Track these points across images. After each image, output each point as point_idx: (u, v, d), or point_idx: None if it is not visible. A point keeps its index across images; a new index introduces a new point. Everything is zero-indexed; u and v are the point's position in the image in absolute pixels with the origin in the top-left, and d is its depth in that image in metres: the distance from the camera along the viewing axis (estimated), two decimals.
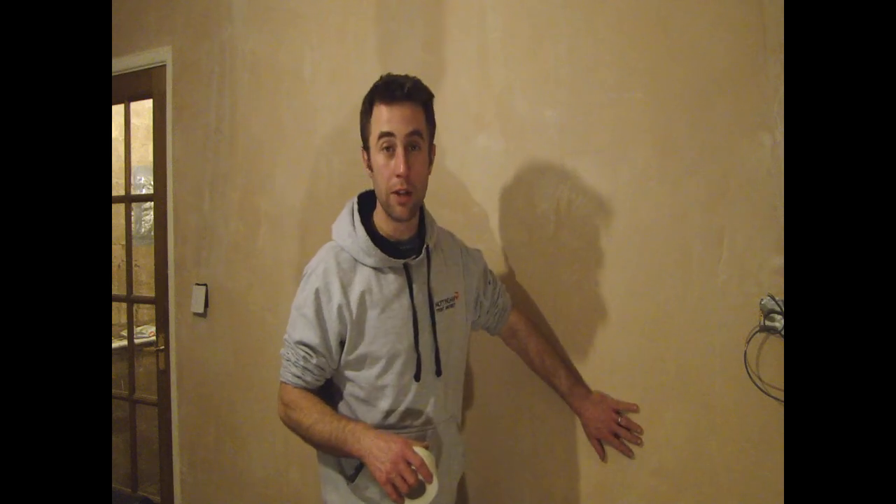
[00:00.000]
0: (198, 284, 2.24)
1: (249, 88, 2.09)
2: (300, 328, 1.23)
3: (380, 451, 1.09)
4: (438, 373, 1.28)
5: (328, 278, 1.21)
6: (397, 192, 1.17)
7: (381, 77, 1.21)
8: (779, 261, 1.26)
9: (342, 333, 1.21)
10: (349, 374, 1.25)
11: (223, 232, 2.18)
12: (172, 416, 2.35)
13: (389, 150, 1.17)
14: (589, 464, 1.51)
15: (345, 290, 1.20)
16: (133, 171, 2.75)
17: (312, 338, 1.21)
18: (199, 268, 2.25)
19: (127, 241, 2.68)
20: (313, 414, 1.19)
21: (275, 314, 2.06)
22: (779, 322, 1.25)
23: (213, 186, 2.20)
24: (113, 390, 2.60)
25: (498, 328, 1.50)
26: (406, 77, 1.20)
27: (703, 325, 1.35)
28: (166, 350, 2.37)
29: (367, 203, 1.30)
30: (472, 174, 1.65)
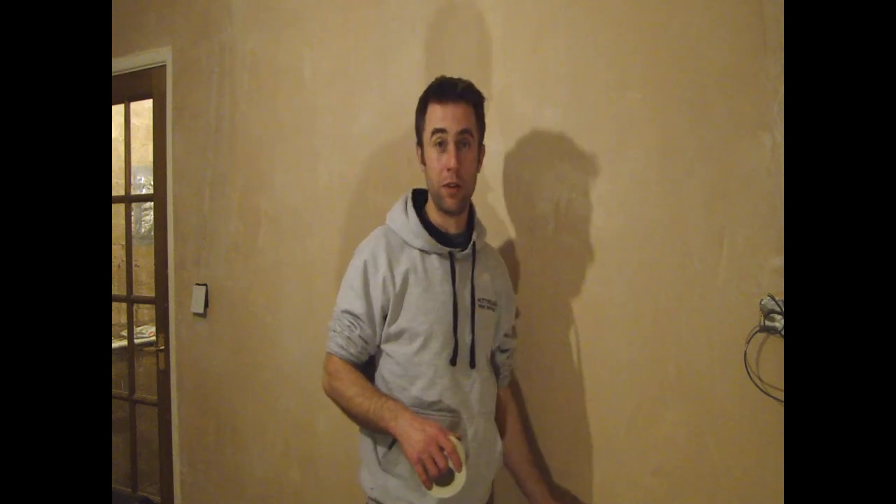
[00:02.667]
0: (198, 284, 2.24)
1: (249, 88, 2.09)
2: (347, 298, 1.28)
3: (414, 431, 1.12)
4: (472, 364, 1.31)
5: (376, 252, 1.28)
6: (448, 185, 1.25)
7: (436, 78, 1.30)
8: (779, 261, 1.26)
9: (385, 307, 1.26)
10: (388, 348, 1.29)
11: (223, 232, 2.18)
12: (172, 416, 2.35)
13: (441, 145, 1.25)
14: (589, 463, 1.51)
15: (391, 264, 1.26)
16: (133, 171, 2.74)
17: (358, 307, 1.26)
18: (199, 268, 2.25)
19: (127, 241, 2.68)
20: (354, 387, 1.23)
21: (275, 314, 2.06)
22: (779, 322, 1.25)
23: (213, 186, 2.20)
24: (113, 390, 2.60)
25: None
26: (459, 79, 1.29)
27: (703, 325, 1.35)
28: (166, 350, 2.37)
29: (418, 199, 1.36)
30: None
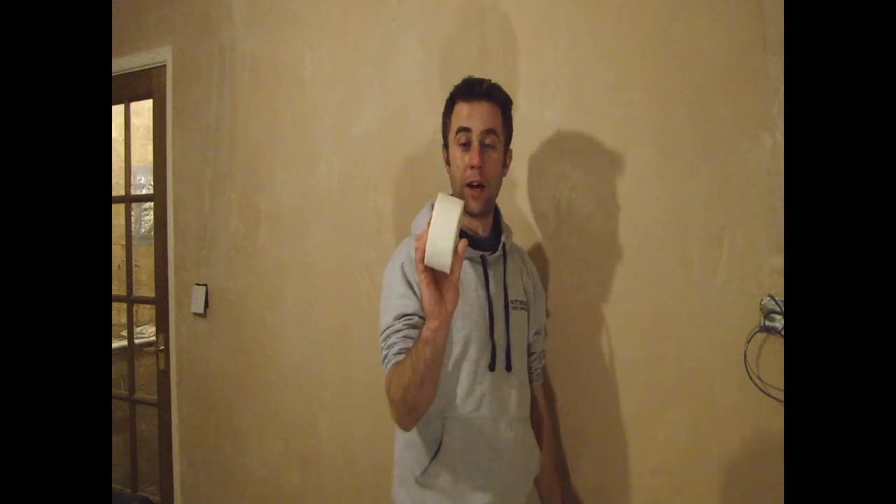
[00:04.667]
0: (198, 284, 2.24)
1: (249, 88, 2.09)
2: (395, 306, 1.19)
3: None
4: (509, 367, 1.27)
5: (413, 255, 1.15)
6: (471, 185, 1.22)
7: (464, 79, 1.28)
8: (779, 261, 1.26)
9: None
10: None
11: (223, 232, 2.18)
12: (172, 416, 2.35)
13: (466, 145, 1.23)
14: (589, 463, 1.51)
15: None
16: (133, 171, 2.74)
17: (411, 306, 1.18)
18: (199, 268, 2.25)
19: (127, 241, 2.68)
20: (397, 369, 1.09)
21: (275, 314, 2.06)
22: (779, 322, 1.25)
23: (213, 186, 2.20)
24: (113, 390, 2.60)
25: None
26: (487, 80, 1.27)
27: (703, 325, 1.35)
28: (166, 350, 2.37)
29: None
30: None
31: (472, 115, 1.23)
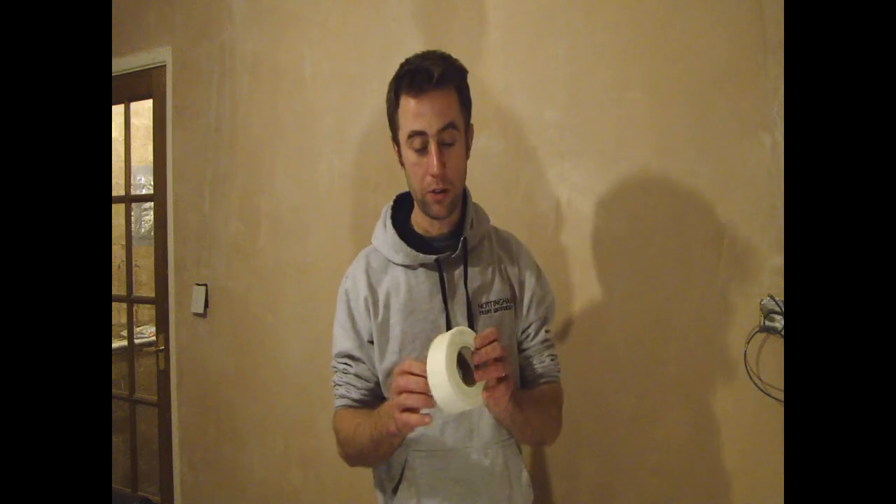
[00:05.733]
0: (198, 284, 2.24)
1: (249, 88, 2.09)
2: (338, 339, 1.13)
3: (387, 405, 0.95)
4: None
5: (356, 276, 1.13)
6: (433, 191, 1.04)
7: (406, 61, 1.05)
8: (779, 261, 1.26)
9: (371, 330, 1.10)
10: (384, 390, 1.11)
11: (223, 232, 2.18)
12: (172, 416, 2.35)
13: (421, 149, 1.03)
14: (589, 464, 1.51)
15: (372, 286, 1.11)
16: (133, 171, 2.74)
17: (349, 344, 1.11)
18: (199, 268, 2.25)
19: (127, 241, 2.68)
20: (353, 423, 1.05)
21: (275, 314, 2.06)
22: (779, 322, 1.25)
23: (213, 186, 2.20)
24: (113, 390, 2.60)
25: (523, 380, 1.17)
26: (434, 59, 1.03)
27: (703, 325, 1.35)
28: (166, 350, 2.37)
29: (407, 201, 1.17)
30: (472, 174, 1.64)
31: (422, 113, 1.00)
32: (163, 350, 2.38)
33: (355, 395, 1.10)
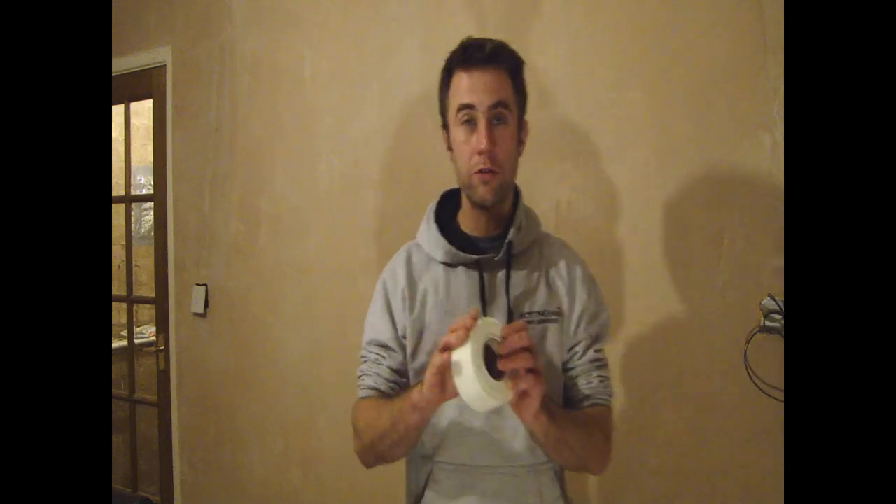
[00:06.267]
0: (198, 285, 2.25)
1: (249, 88, 2.09)
2: (371, 330, 1.09)
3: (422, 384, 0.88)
4: None
5: (395, 268, 1.10)
6: (480, 171, 0.99)
7: (461, 41, 1.02)
8: (779, 261, 1.27)
9: (405, 324, 1.06)
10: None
11: (223, 232, 2.18)
12: (172, 416, 2.35)
13: (470, 123, 0.99)
14: None
15: (411, 280, 1.07)
16: (133, 171, 2.74)
17: (384, 333, 1.06)
18: (199, 268, 2.25)
19: (127, 241, 2.68)
20: (376, 410, 0.99)
21: (275, 314, 2.06)
22: (779, 322, 1.25)
23: (213, 186, 2.20)
24: (113, 390, 2.60)
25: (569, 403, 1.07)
26: (489, 39, 1.01)
27: (703, 325, 1.35)
28: (166, 350, 2.37)
29: (453, 201, 1.12)
30: None
31: (474, 88, 0.98)
32: (163, 350, 2.38)
33: (384, 387, 1.05)
